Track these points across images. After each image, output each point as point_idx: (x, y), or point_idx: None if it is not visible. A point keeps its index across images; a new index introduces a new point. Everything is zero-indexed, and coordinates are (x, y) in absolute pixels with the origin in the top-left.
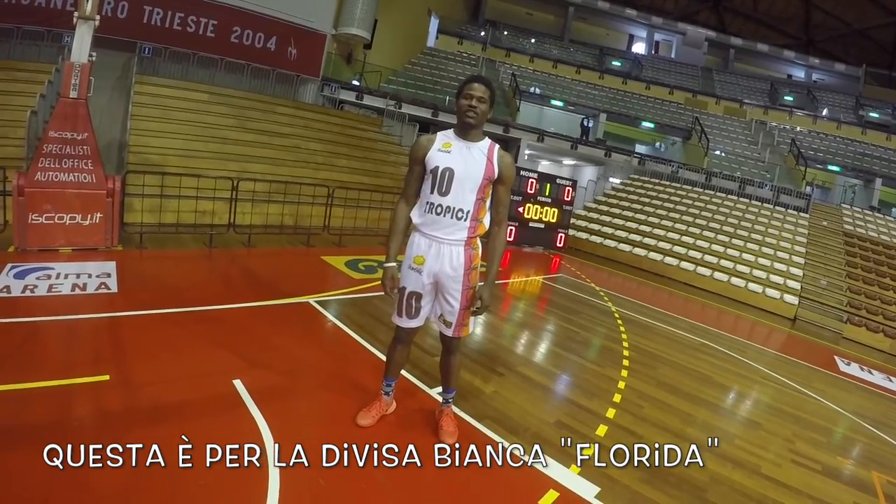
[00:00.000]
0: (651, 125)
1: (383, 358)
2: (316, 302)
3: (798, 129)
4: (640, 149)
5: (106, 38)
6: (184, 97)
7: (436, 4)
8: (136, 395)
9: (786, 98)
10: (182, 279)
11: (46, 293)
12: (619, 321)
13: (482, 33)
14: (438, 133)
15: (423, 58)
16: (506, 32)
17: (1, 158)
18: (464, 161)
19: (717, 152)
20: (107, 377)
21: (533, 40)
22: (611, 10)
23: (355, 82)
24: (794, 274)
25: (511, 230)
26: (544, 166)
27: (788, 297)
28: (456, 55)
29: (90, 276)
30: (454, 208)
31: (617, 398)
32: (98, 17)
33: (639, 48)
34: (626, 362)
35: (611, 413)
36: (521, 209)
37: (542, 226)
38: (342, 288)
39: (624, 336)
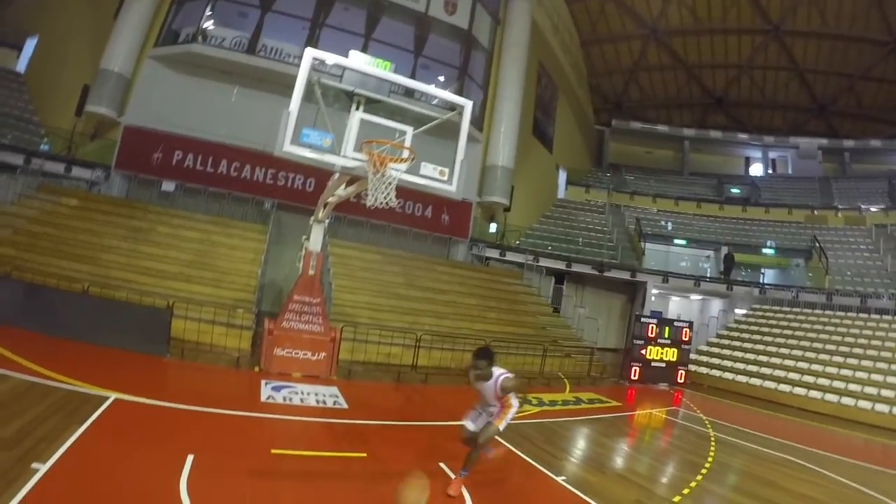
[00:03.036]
0: (772, 251)
1: (523, 455)
2: None
3: None
4: (767, 273)
5: (298, 207)
6: (362, 257)
7: (562, 159)
8: (387, 465)
9: None
10: (387, 402)
11: (301, 403)
12: (713, 442)
13: (608, 175)
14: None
15: (555, 210)
16: (628, 176)
17: (234, 300)
18: (485, 388)
19: (838, 269)
20: (365, 454)
21: (653, 181)
22: (724, 138)
23: (493, 227)
24: None
25: (636, 370)
26: (675, 301)
27: None
28: (584, 204)
29: (325, 395)
30: (487, 406)
31: (686, 491)
32: (328, 220)
33: (757, 168)
34: (703, 471)
35: (677, 498)
36: (643, 351)
37: (663, 364)
38: None
39: (711, 453)
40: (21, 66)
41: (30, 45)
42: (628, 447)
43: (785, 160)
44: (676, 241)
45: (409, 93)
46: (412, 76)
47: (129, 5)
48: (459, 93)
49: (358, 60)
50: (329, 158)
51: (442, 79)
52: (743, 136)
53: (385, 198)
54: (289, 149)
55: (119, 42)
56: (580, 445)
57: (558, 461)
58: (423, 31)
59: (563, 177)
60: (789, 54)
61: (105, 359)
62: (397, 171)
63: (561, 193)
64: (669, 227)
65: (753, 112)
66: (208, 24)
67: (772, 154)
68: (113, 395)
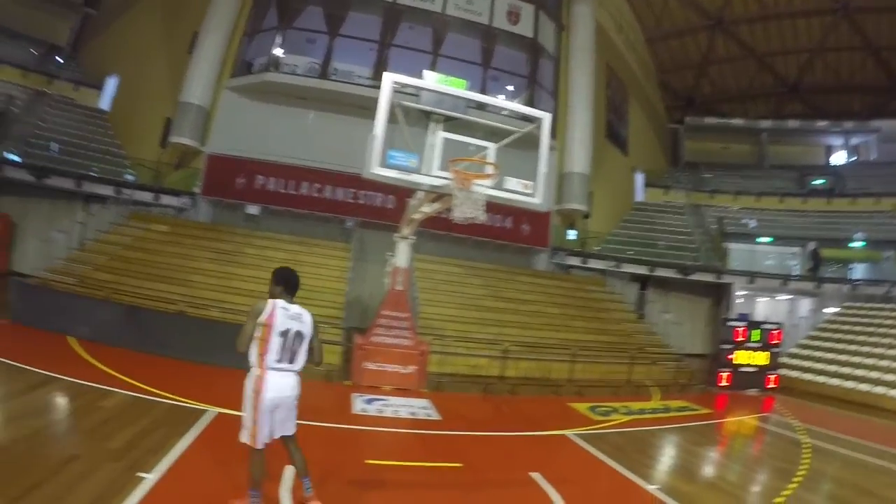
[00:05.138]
0: (861, 244)
1: (614, 464)
2: (572, 434)
3: None
4: (857, 268)
5: (379, 224)
6: (445, 271)
7: (638, 161)
8: (483, 476)
9: None
10: (478, 413)
11: (393, 415)
12: (806, 449)
13: (686, 174)
14: None
15: (634, 214)
16: (706, 174)
17: (324, 317)
18: None
19: None
20: (461, 464)
21: (732, 177)
22: (802, 127)
23: (572, 234)
24: None
25: (724, 375)
26: (762, 302)
27: None
28: (663, 206)
29: (416, 408)
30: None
31: (778, 500)
32: (414, 237)
33: (839, 156)
34: (796, 479)
35: None
36: (731, 356)
37: (752, 369)
38: (587, 426)
39: (805, 461)
40: (104, 104)
41: (110, 85)
42: (719, 455)
43: (868, 145)
44: (760, 240)
45: (480, 105)
46: (482, 89)
47: (202, 41)
48: (530, 102)
49: (431, 80)
50: (416, 178)
51: (511, 88)
52: (822, 124)
53: (472, 213)
54: (377, 171)
55: (196, 76)
56: (670, 454)
57: (649, 470)
58: (489, 44)
59: (640, 179)
60: (861, 33)
61: (202, 375)
62: (482, 187)
63: (639, 196)
64: (752, 225)
65: (830, 97)
66: (279, 52)
67: (854, 140)
68: (215, 410)
